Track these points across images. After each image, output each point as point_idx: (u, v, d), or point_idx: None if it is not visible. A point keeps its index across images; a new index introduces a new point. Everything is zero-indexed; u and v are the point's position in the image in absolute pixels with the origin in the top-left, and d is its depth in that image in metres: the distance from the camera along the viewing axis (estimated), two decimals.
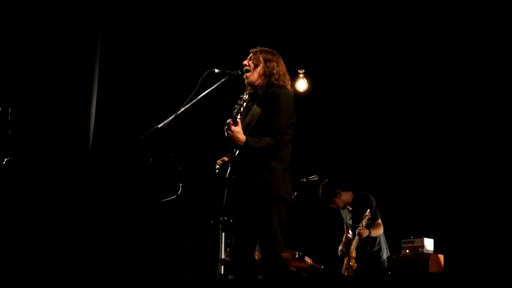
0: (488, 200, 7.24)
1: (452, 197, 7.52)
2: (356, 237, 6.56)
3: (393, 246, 6.88)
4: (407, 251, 6.68)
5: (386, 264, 6.73)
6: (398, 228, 6.88)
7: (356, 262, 6.60)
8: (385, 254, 6.75)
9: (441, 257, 6.56)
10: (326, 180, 6.78)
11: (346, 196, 6.77)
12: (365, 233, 6.49)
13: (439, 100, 7.79)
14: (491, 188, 7.24)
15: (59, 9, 7.21)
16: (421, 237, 6.63)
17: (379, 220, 6.64)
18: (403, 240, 6.79)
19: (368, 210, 6.51)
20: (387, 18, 7.69)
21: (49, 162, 6.96)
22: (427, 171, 7.77)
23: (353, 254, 6.66)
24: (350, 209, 6.81)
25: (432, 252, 6.61)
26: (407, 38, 7.75)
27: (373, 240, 6.69)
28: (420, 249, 6.59)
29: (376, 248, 6.72)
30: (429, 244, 6.65)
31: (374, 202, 6.70)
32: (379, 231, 6.64)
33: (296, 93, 4.68)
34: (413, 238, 6.70)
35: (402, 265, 6.67)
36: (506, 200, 7.09)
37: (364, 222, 6.50)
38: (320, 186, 6.79)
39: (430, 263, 6.46)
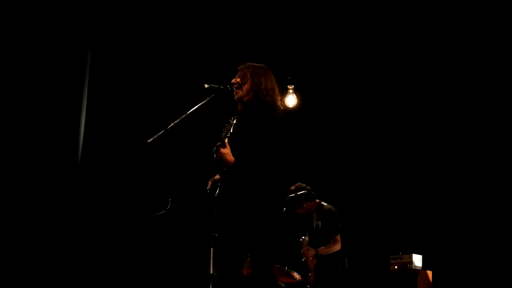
0: (475, 217, 7.26)
1: (440, 214, 7.55)
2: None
3: (382, 262, 6.89)
4: (396, 267, 6.69)
5: (341, 275, 6.40)
6: (387, 244, 6.89)
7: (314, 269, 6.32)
8: (340, 265, 6.42)
9: (429, 273, 6.57)
10: (297, 185, 6.55)
11: (310, 205, 6.54)
12: (310, 254, 6.21)
13: (424, 116, 7.83)
14: (479, 204, 7.27)
15: (48, 17, 7.19)
16: (410, 253, 6.65)
17: (338, 236, 6.31)
18: (391, 256, 6.80)
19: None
20: (374, 35, 7.73)
21: (38, 171, 6.92)
22: (416, 188, 7.80)
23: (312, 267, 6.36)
24: (315, 217, 6.62)
25: (420, 268, 6.62)
26: (393, 54, 7.80)
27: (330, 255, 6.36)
28: (408, 265, 6.60)
29: (331, 261, 6.38)
30: (417, 260, 6.66)
31: (336, 216, 6.41)
32: (335, 248, 6.29)
33: (286, 108, 4.68)
34: (401, 254, 6.71)
35: (391, 281, 6.67)
36: (493, 217, 7.12)
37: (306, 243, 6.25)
38: (290, 189, 6.51)
39: (418, 279, 6.46)
